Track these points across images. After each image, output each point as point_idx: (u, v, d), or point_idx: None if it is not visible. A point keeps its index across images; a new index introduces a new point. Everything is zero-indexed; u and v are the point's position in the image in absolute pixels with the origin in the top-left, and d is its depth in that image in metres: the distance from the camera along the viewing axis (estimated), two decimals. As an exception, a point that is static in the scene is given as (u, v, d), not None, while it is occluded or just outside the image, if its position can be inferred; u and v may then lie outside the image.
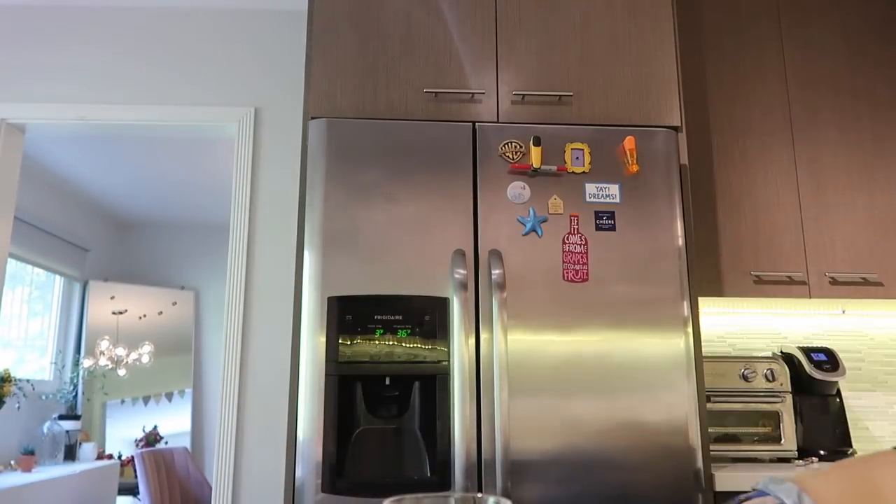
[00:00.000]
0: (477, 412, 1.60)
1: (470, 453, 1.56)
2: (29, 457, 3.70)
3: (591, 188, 1.76)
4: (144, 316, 5.48)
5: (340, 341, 1.62)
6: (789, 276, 2.12)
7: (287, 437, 1.60)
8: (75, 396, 4.87)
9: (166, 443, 5.24)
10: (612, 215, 1.74)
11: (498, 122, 1.84)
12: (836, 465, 0.96)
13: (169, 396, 5.43)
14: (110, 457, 4.79)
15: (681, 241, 1.75)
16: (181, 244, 5.88)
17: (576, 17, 1.94)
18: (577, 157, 1.78)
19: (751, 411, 2.04)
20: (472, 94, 1.85)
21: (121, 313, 5.35)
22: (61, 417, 4.47)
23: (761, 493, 0.92)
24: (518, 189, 1.75)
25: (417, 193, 1.72)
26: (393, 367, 1.61)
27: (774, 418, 2.03)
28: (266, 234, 2.56)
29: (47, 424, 4.35)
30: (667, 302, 1.70)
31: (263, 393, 2.44)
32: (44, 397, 4.53)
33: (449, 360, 1.61)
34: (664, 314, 1.69)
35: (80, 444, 4.47)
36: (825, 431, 2.12)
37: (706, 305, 2.32)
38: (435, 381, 1.61)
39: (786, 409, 2.04)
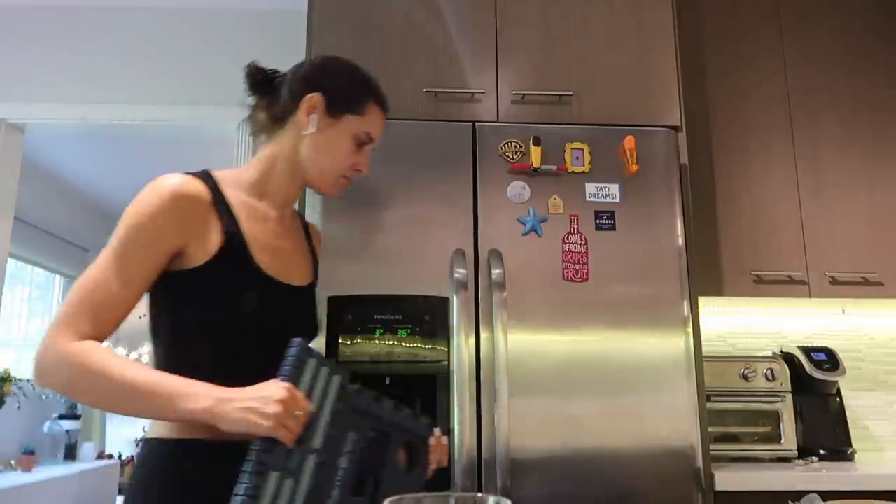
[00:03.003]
0: (477, 412, 1.60)
1: (470, 453, 1.56)
2: (29, 457, 3.69)
3: (591, 188, 1.76)
4: (144, 316, 5.47)
5: (341, 341, 1.62)
6: (789, 276, 2.12)
7: (287, 436, 1.60)
8: (75, 396, 4.86)
9: (166, 443, 5.23)
10: (612, 215, 1.74)
11: (498, 121, 1.84)
12: None
13: (169, 396, 5.43)
14: (110, 457, 4.79)
15: (681, 241, 1.75)
16: (181, 244, 5.87)
17: (576, 16, 1.94)
18: (577, 157, 1.78)
19: (751, 411, 2.04)
20: (472, 93, 1.85)
21: (121, 313, 5.35)
22: (61, 417, 4.47)
23: None
24: (518, 189, 1.75)
25: (417, 193, 1.72)
26: (393, 367, 1.61)
27: (774, 418, 2.03)
28: (266, 233, 2.56)
29: (47, 424, 4.35)
30: (667, 302, 1.70)
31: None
32: (44, 397, 4.53)
33: (449, 360, 1.61)
34: (664, 314, 1.69)
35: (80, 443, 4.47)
36: (825, 431, 2.12)
37: (706, 305, 2.32)
38: (435, 381, 1.61)
39: (786, 408, 2.04)
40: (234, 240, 1.05)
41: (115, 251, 1.00)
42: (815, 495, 1.03)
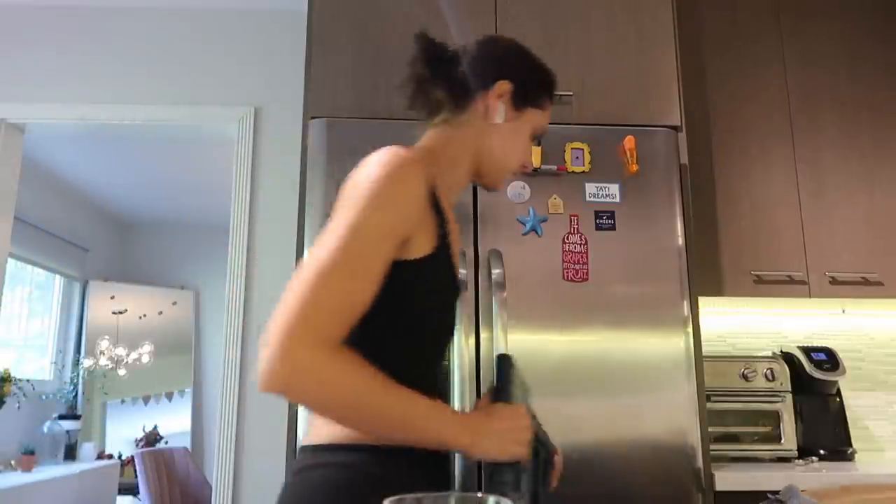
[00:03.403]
0: (477, 412, 1.60)
1: (470, 453, 1.56)
2: (29, 457, 3.70)
3: (590, 188, 1.76)
4: (144, 316, 5.48)
5: (340, 341, 1.62)
6: (789, 276, 2.12)
7: (287, 437, 1.60)
8: (75, 396, 4.87)
9: (166, 443, 5.24)
10: (611, 215, 1.74)
11: (498, 121, 1.84)
12: None
13: (169, 396, 5.44)
14: (110, 457, 4.79)
15: (681, 241, 1.75)
16: (181, 244, 5.88)
17: (576, 16, 1.94)
18: (577, 157, 1.78)
19: (751, 411, 2.04)
20: (472, 93, 1.85)
21: (121, 313, 5.35)
22: (61, 417, 4.48)
23: None
24: (518, 189, 1.75)
25: (417, 193, 1.72)
26: (393, 367, 1.61)
27: (774, 418, 2.03)
28: (266, 234, 2.56)
29: (47, 424, 4.35)
30: (667, 302, 1.70)
31: (263, 393, 2.44)
32: (44, 397, 4.53)
33: (449, 360, 1.61)
34: (664, 314, 1.69)
35: (80, 443, 4.47)
36: (825, 431, 2.12)
37: (706, 305, 2.32)
38: (435, 381, 1.61)
39: (786, 408, 2.04)
40: (445, 234, 0.94)
41: (353, 236, 0.84)
42: (794, 486, 1.03)
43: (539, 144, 1.75)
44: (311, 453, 0.91)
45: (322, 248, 0.83)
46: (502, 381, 0.89)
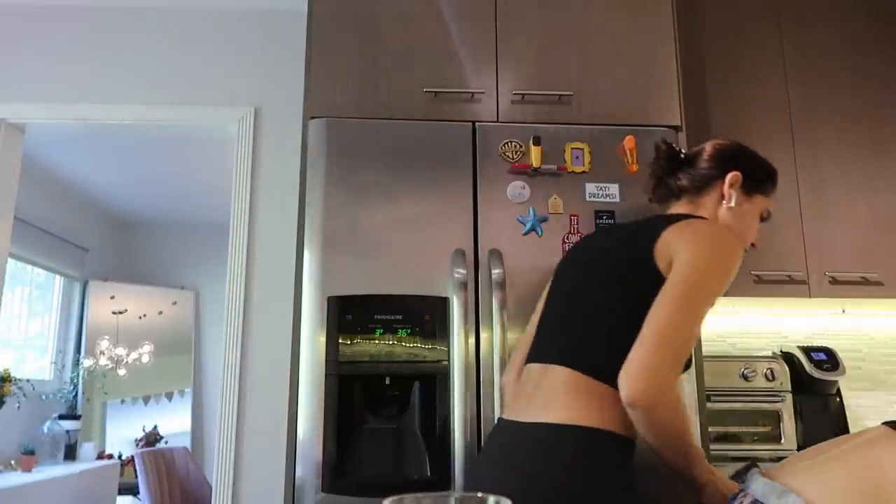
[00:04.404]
0: (477, 412, 1.60)
1: (470, 452, 1.56)
2: (29, 457, 3.70)
3: (590, 188, 1.76)
4: (144, 316, 5.48)
5: (340, 341, 1.62)
6: (789, 276, 2.12)
7: (287, 436, 1.60)
8: (75, 396, 4.87)
9: (166, 443, 5.24)
10: (612, 215, 1.75)
11: (498, 121, 1.84)
12: (832, 462, 0.98)
13: (169, 396, 5.43)
14: (110, 457, 4.79)
15: (681, 241, 1.75)
16: (181, 244, 5.88)
17: (576, 16, 1.94)
18: (577, 157, 1.78)
19: (751, 411, 2.04)
20: (472, 93, 1.85)
21: (121, 313, 5.35)
22: (61, 417, 4.48)
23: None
24: (518, 189, 1.75)
25: (417, 193, 1.72)
26: (393, 367, 1.61)
27: (774, 418, 2.03)
28: (266, 234, 2.56)
29: (47, 424, 4.35)
30: (667, 301, 1.70)
31: (263, 393, 2.44)
32: (44, 397, 4.53)
33: (449, 360, 1.61)
34: (664, 314, 1.69)
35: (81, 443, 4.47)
36: (825, 431, 2.12)
37: (706, 305, 2.32)
38: (435, 381, 1.61)
39: (786, 408, 2.04)
40: None
41: (705, 299, 1.10)
42: (753, 466, 1.09)
43: (539, 144, 1.76)
44: (573, 433, 1.09)
45: (682, 298, 1.09)
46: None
